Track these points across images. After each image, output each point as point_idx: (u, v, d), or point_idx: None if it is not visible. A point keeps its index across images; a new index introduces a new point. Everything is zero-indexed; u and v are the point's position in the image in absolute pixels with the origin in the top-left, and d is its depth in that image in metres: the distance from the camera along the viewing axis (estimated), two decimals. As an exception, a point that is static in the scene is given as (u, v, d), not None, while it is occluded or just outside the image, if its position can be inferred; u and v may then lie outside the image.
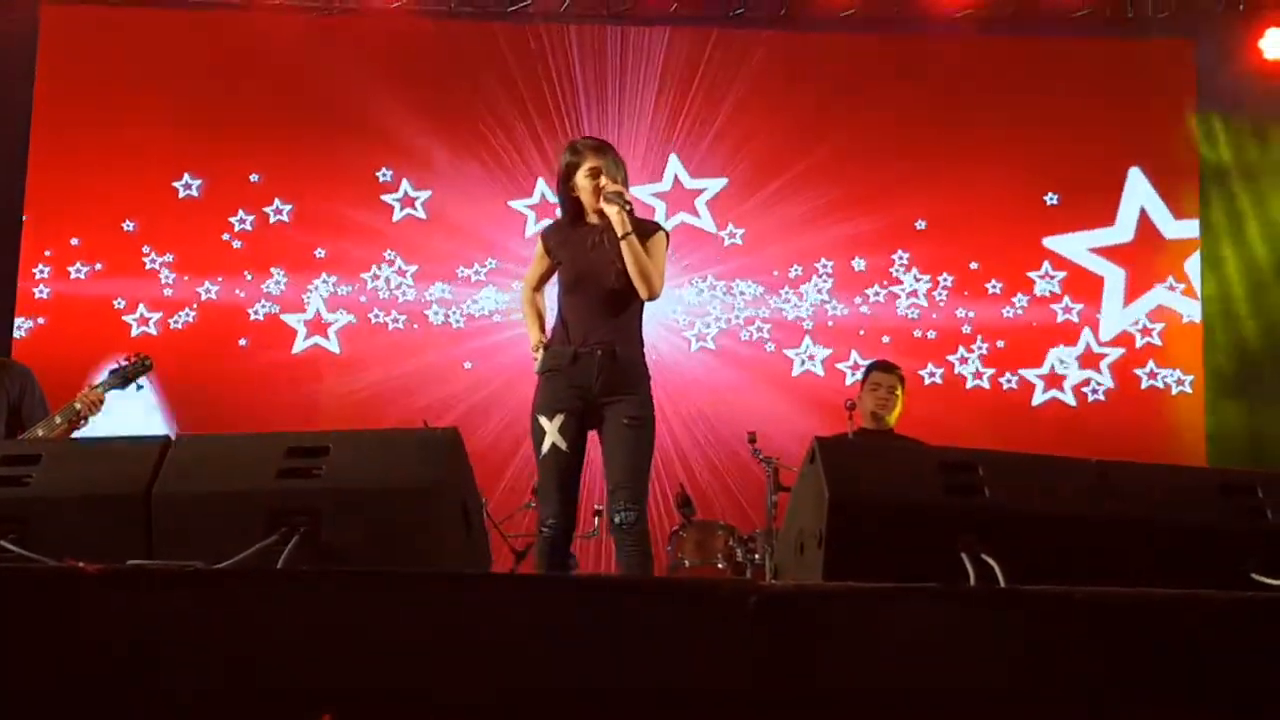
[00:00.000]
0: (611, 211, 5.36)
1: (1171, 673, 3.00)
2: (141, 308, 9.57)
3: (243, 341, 9.58)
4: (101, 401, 6.03)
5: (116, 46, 9.80)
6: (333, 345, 9.63)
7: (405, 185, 9.73)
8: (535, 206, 9.68)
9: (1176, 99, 9.85)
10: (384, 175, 9.73)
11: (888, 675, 2.98)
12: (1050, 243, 9.76)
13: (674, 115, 9.84)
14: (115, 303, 9.55)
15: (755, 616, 2.97)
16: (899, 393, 7.33)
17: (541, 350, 5.49)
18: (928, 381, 9.57)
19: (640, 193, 9.39)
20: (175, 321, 9.54)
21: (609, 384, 5.33)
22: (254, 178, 9.71)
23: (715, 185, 9.85)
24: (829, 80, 9.90)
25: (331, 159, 9.73)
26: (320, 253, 9.68)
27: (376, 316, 9.68)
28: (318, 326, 9.65)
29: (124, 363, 6.20)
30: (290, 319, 9.63)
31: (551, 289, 5.72)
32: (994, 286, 9.70)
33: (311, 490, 3.45)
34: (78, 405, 6.00)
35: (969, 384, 9.68)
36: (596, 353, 5.35)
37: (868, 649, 3.00)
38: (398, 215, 9.73)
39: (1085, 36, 9.93)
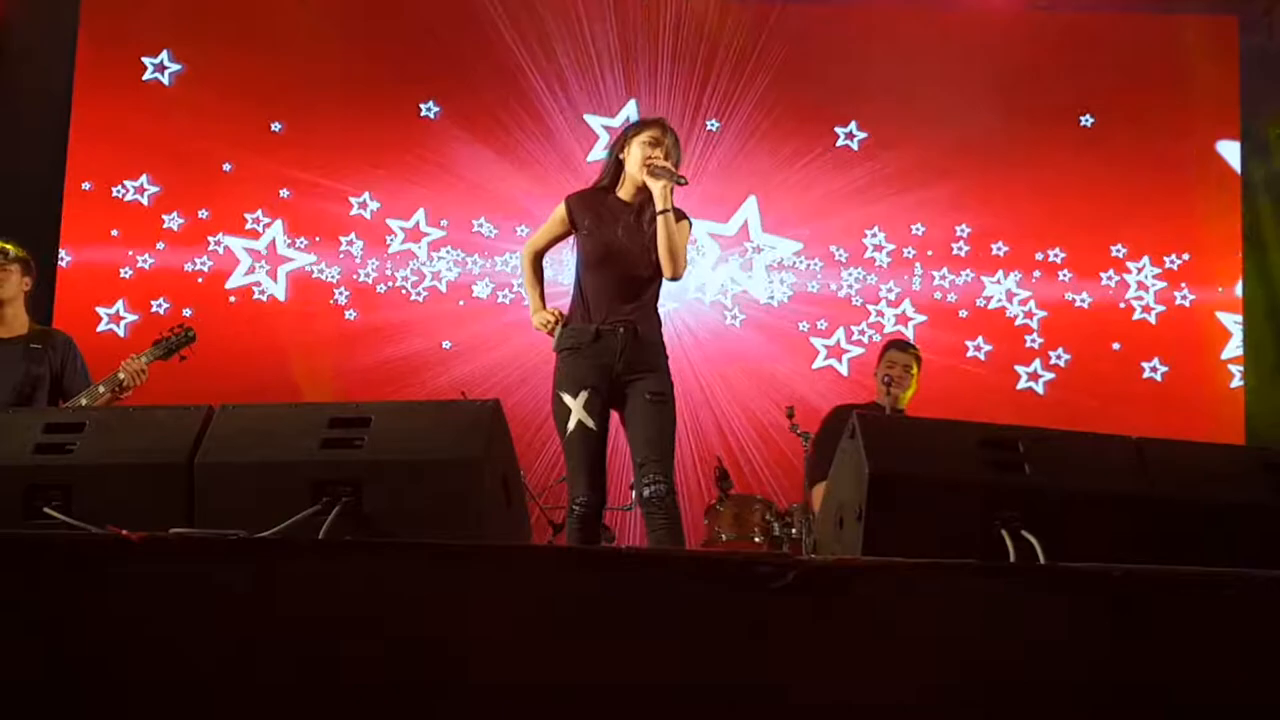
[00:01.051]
0: (657, 186, 5.34)
1: (1213, 651, 2.99)
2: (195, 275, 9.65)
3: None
4: (144, 372, 6.07)
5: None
6: (368, 315, 9.67)
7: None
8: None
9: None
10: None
11: (927, 650, 2.98)
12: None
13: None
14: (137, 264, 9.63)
15: (794, 590, 2.97)
16: (914, 372, 7.27)
17: (559, 327, 5.51)
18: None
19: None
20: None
21: (632, 362, 5.34)
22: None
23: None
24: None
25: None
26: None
27: (410, 287, 9.72)
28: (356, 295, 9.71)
29: (167, 334, 6.23)
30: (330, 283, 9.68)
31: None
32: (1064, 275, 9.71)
33: (354, 461, 3.46)
34: (121, 375, 6.03)
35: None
36: (619, 330, 5.36)
37: (907, 624, 3.01)
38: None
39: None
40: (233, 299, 9.59)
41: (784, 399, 8.48)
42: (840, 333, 9.67)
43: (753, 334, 9.69)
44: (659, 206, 5.33)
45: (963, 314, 9.70)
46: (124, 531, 3.11)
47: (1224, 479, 3.66)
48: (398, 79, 9.77)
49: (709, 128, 9.76)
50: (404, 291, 9.68)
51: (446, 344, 9.60)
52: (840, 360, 9.63)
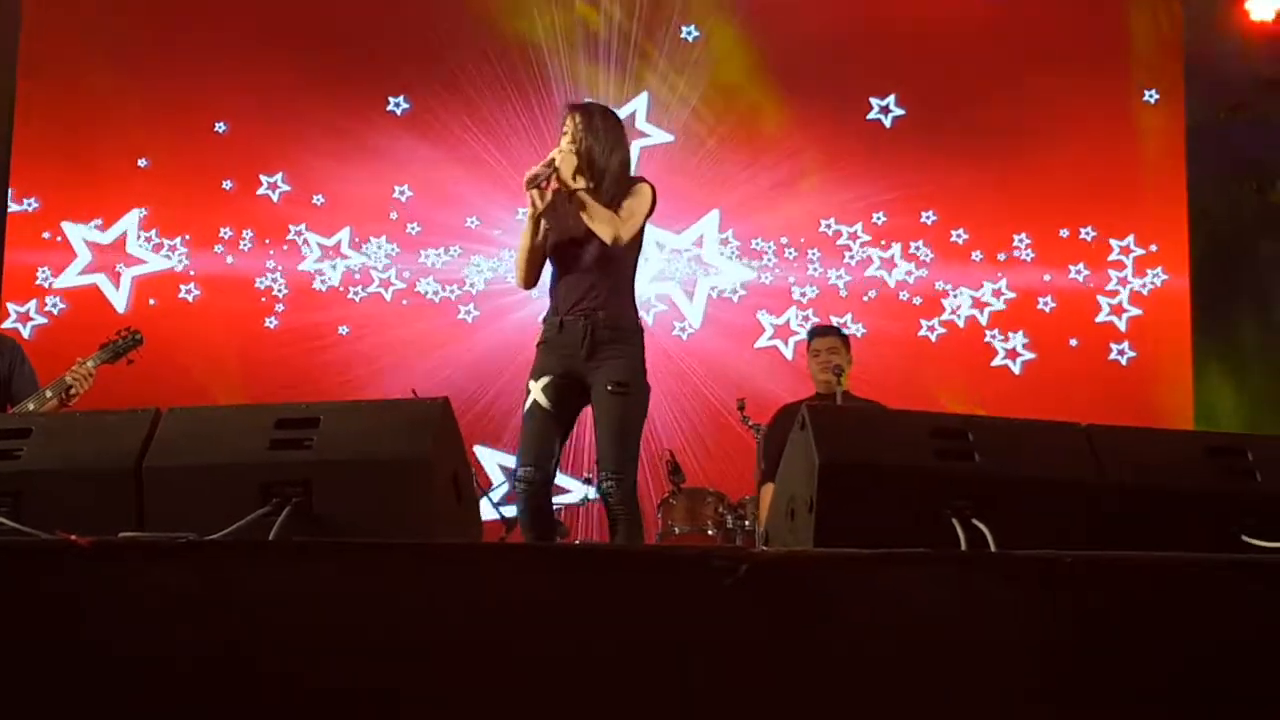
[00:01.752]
0: (532, 195, 5.38)
1: (1159, 635, 3.02)
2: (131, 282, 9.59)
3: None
4: (91, 376, 6.02)
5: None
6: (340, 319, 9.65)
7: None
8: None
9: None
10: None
11: (880, 640, 2.99)
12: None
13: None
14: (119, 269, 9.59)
15: (746, 584, 2.98)
16: (843, 354, 7.24)
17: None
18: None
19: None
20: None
21: (594, 349, 5.30)
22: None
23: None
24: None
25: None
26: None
27: (380, 287, 9.70)
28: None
29: (115, 337, 6.19)
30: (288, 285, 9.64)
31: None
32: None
33: (303, 461, 3.45)
34: (68, 380, 5.99)
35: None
36: (580, 320, 5.34)
37: (860, 614, 3.02)
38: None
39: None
40: (152, 302, 9.57)
41: (735, 391, 8.48)
42: (790, 313, 9.70)
43: (701, 325, 9.70)
44: (568, 189, 5.33)
45: (918, 300, 9.74)
46: (73, 536, 3.09)
47: (1170, 464, 3.69)
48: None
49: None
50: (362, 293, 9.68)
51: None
52: (786, 343, 9.65)
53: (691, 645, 2.96)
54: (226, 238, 9.62)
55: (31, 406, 5.95)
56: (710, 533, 7.62)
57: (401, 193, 9.66)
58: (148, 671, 2.93)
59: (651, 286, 9.58)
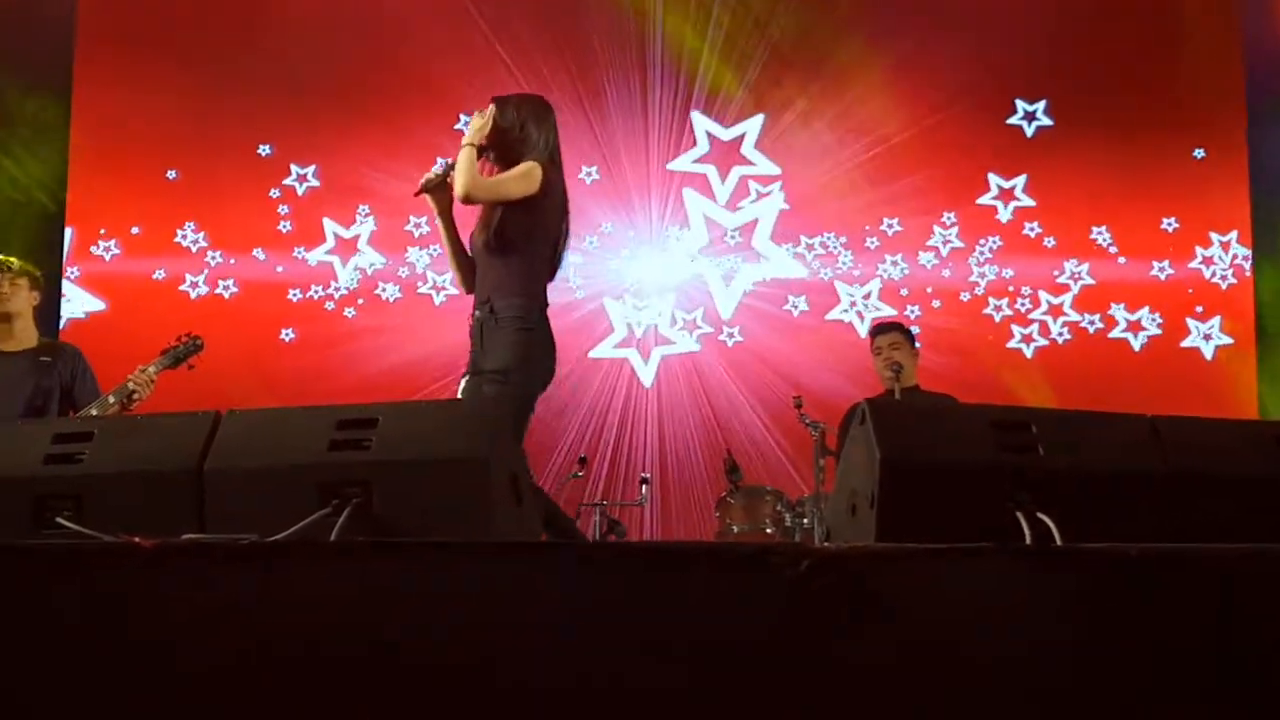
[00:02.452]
0: (427, 200, 5.46)
1: (1234, 629, 2.97)
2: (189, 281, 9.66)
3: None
4: (153, 382, 6.06)
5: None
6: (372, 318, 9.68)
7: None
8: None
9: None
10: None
11: (943, 637, 2.96)
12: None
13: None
14: (155, 274, 9.63)
15: (808, 580, 2.95)
16: (905, 349, 7.16)
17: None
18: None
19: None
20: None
21: (485, 343, 5.32)
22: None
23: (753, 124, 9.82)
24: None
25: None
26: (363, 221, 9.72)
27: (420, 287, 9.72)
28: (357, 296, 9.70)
29: (175, 343, 6.23)
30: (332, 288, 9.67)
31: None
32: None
33: (362, 462, 3.44)
34: (130, 385, 6.03)
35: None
36: (476, 314, 5.37)
37: (923, 610, 2.98)
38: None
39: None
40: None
41: (792, 389, 8.45)
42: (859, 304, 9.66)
43: (756, 323, 9.67)
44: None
45: (965, 296, 9.68)
46: (136, 539, 3.10)
47: (1238, 453, 3.63)
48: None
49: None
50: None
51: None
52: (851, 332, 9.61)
53: (751, 644, 2.94)
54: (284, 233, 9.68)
55: (94, 412, 6.00)
56: (769, 531, 7.60)
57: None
58: (208, 673, 2.94)
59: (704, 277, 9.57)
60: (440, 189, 5.46)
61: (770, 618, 2.96)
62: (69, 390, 6.27)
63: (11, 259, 6.35)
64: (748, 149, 9.81)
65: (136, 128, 9.68)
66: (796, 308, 9.69)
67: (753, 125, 9.85)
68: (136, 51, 9.76)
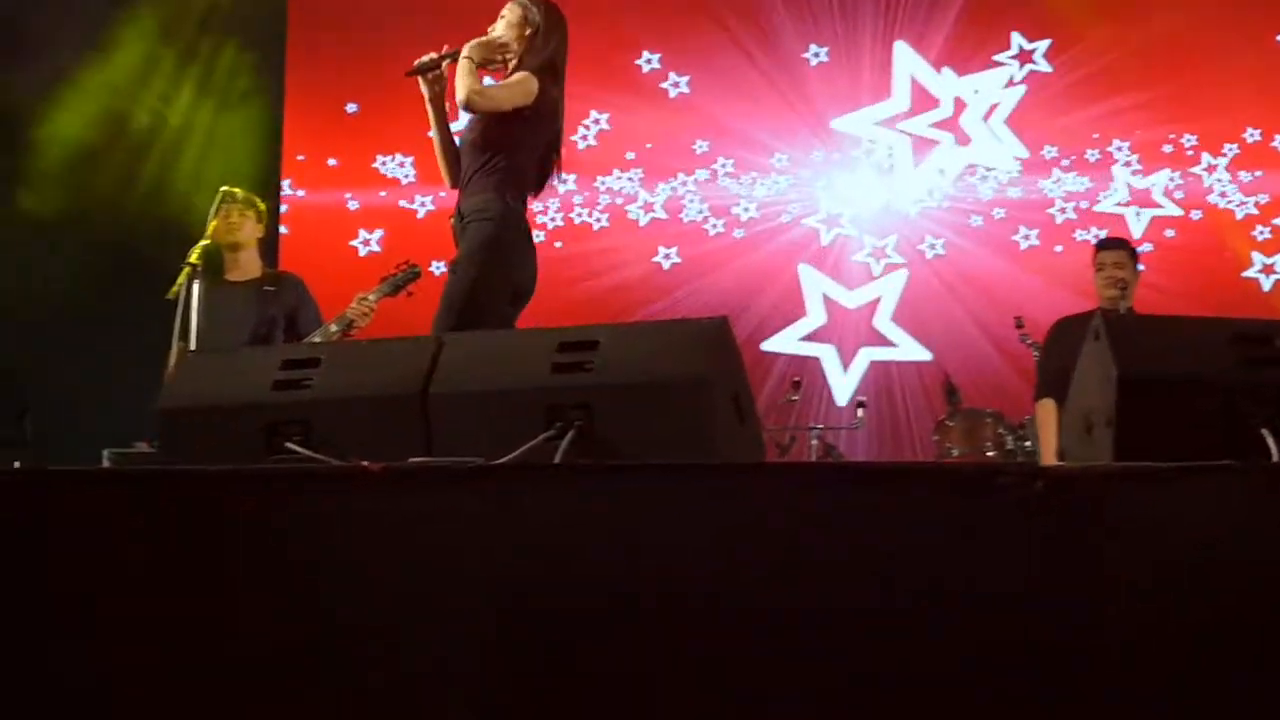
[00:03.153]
0: (420, 84, 5.38)
1: None
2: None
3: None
4: (373, 310, 6.16)
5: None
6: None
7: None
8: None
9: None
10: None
11: (1183, 557, 2.85)
12: None
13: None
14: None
15: (1042, 500, 2.86)
16: (1129, 268, 6.88)
17: None
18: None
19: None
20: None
21: (461, 238, 5.27)
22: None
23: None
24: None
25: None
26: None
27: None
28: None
29: (394, 271, 6.31)
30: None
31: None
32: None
33: (584, 385, 3.43)
34: (350, 315, 6.14)
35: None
36: (457, 211, 5.33)
37: (1161, 530, 2.87)
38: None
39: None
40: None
41: (1012, 308, 8.24)
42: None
43: (972, 243, 9.47)
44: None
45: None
46: (364, 463, 3.14)
47: None
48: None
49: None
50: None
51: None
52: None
53: (976, 562, 2.86)
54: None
55: (317, 340, 6.12)
56: (990, 454, 7.45)
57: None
58: (440, 594, 2.97)
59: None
60: (435, 75, 5.39)
61: (1001, 539, 2.88)
62: (292, 319, 6.40)
63: (237, 189, 6.47)
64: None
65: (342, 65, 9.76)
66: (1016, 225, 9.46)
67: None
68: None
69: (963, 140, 9.54)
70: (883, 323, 9.50)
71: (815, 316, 9.54)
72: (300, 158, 9.78)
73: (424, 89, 5.41)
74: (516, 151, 5.30)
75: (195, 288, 5.95)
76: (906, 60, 9.57)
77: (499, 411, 3.47)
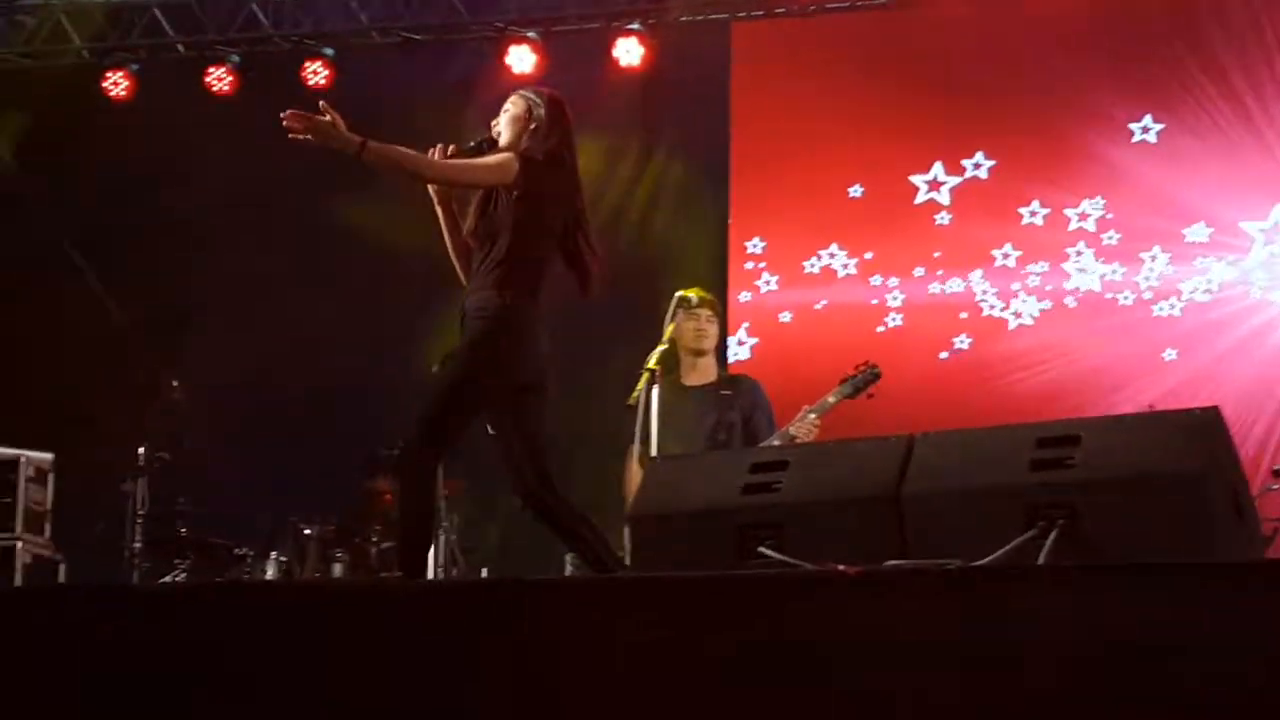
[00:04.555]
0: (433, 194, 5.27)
1: None
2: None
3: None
4: (816, 427, 6.11)
5: (805, 56, 9.96)
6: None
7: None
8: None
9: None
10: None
11: None
12: None
13: None
14: (817, 305, 9.70)
15: None
16: None
17: None
18: None
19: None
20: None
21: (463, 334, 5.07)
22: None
23: None
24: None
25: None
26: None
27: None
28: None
29: (854, 372, 6.26)
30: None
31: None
32: None
33: (1068, 481, 3.29)
34: (792, 432, 6.11)
35: None
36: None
37: None
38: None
39: None
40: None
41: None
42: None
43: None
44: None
45: None
46: (840, 567, 3.08)
47: None
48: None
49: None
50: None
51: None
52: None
53: None
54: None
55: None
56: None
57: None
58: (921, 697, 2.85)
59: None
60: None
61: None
62: (746, 422, 6.40)
63: (707, 294, 6.49)
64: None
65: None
66: None
67: None
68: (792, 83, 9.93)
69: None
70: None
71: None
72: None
73: (430, 190, 5.33)
74: (517, 240, 5.07)
75: (655, 392, 6.02)
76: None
77: (975, 511, 3.37)
